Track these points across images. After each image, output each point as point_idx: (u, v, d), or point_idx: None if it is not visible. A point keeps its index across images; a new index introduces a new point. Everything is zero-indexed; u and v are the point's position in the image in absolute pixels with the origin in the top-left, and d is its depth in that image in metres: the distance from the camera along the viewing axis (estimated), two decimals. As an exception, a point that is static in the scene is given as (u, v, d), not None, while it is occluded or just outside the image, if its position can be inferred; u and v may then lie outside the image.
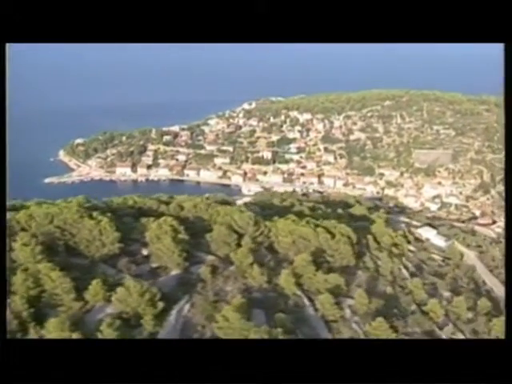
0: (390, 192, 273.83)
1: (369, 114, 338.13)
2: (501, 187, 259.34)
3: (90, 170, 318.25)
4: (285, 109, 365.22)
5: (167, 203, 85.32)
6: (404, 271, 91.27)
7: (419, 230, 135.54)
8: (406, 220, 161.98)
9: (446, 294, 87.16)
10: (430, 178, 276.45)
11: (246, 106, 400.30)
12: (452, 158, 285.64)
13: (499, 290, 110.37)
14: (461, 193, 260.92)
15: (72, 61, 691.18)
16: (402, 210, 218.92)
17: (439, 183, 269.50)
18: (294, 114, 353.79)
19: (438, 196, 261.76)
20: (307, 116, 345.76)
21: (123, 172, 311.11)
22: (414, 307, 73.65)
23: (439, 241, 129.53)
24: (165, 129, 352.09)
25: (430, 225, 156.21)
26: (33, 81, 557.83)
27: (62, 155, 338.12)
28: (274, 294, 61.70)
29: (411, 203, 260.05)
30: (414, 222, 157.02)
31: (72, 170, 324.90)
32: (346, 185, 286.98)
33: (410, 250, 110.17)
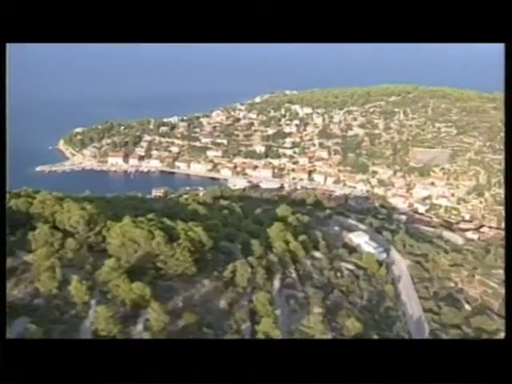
0: (379, 191, 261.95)
1: (371, 110, 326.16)
2: (496, 190, 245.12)
3: (84, 159, 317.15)
4: (288, 102, 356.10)
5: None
6: (276, 282, 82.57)
7: (351, 235, 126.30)
8: (353, 222, 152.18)
9: (317, 309, 77.57)
10: (423, 177, 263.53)
11: (257, 99, 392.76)
12: (450, 157, 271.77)
13: (410, 308, 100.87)
14: (453, 194, 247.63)
15: (74, 52, 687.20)
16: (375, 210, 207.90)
17: (432, 184, 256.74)
18: (295, 107, 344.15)
19: (428, 197, 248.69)
20: (308, 110, 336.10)
21: (114, 162, 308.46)
22: (242, 325, 64.67)
23: (368, 247, 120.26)
24: (165, 120, 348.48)
25: (378, 230, 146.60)
26: (35, 71, 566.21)
27: (61, 144, 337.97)
28: (59, 302, 55.30)
29: (399, 203, 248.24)
30: (359, 226, 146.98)
31: (67, 158, 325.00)
32: (336, 182, 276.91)
33: (313, 257, 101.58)
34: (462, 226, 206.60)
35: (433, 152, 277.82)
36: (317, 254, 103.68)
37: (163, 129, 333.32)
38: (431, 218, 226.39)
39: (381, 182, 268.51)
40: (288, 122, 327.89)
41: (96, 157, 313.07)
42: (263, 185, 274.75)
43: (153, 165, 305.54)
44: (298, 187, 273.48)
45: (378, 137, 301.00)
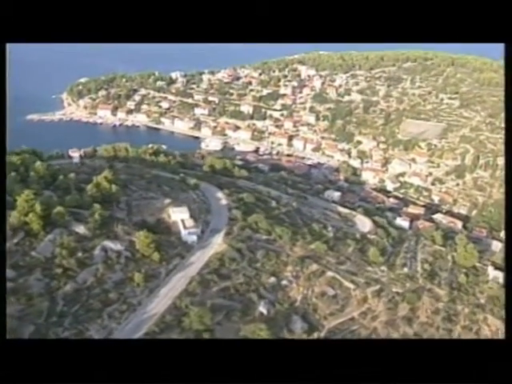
0: (355, 163, 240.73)
1: (377, 75, 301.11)
2: (480, 173, 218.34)
3: (77, 109, 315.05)
4: (298, 63, 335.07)
5: None
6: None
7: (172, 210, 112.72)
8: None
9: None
10: (406, 152, 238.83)
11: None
12: (442, 132, 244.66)
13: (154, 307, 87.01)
14: (430, 174, 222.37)
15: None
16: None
17: (412, 159, 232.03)
18: (301, 68, 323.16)
19: (402, 174, 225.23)
20: (311, 72, 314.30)
21: (103, 115, 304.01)
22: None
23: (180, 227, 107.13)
24: (166, 74, 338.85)
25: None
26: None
27: (65, 94, 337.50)
28: None
29: (370, 178, 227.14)
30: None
31: (64, 108, 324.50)
32: (315, 150, 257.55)
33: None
34: (411, 210, 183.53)
35: (426, 125, 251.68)
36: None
37: (160, 83, 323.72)
38: (387, 196, 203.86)
39: (361, 154, 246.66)
40: (287, 84, 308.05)
41: (87, 108, 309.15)
42: (238, 147, 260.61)
43: (139, 119, 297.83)
44: (274, 152, 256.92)
45: (374, 104, 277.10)
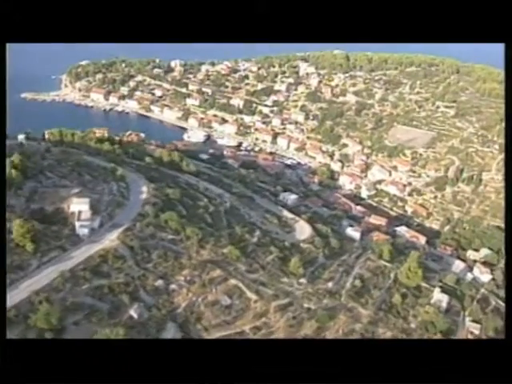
0: (336, 167, 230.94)
1: (377, 78, 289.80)
2: (462, 187, 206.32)
3: (72, 91, 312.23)
4: (301, 60, 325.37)
5: None
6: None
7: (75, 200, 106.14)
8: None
9: None
10: (389, 159, 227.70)
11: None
12: (430, 141, 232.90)
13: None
14: (410, 183, 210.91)
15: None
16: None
17: (394, 167, 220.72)
18: (302, 66, 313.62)
19: (380, 182, 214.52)
20: (310, 69, 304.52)
21: (96, 98, 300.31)
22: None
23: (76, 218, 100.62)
24: (165, 62, 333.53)
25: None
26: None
27: (65, 75, 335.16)
28: None
29: (346, 183, 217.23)
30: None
31: (60, 89, 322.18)
32: (299, 149, 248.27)
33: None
34: (373, 220, 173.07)
35: (415, 132, 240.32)
36: None
37: (157, 71, 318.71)
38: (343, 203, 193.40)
39: (343, 157, 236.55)
40: (284, 80, 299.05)
41: (81, 91, 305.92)
42: (221, 141, 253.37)
43: (130, 106, 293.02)
44: (256, 148, 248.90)
45: (368, 107, 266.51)
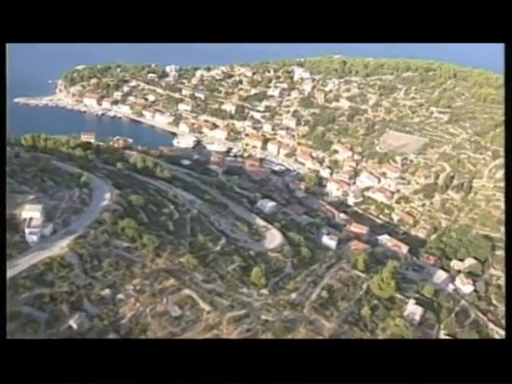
0: (324, 173, 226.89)
1: (371, 83, 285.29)
2: (452, 194, 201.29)
3: (66, 96, 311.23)
4: (298, 65, 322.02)
5: None
6: None
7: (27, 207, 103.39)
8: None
9: None
10: (379, 165, 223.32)
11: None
12: (422, 147, 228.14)
13: None
14: (398, 190, 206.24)
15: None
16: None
17: (383, 174, 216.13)
18: (298, 71, 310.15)
19: (368, 189, 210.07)
20: (305, 74, 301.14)
21: (89, 103, 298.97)
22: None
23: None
24: (159, 68, 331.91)
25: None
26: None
27: (61, 79, 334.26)
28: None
29: (333, 190, 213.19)
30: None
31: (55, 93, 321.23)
32: (289, 155, 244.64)
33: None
34: (353, 228, 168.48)
35: (406, 138, 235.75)
36: None
37: (151, 76, 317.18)
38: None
39: (333, 164, 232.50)
40: (278, 85, 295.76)
41: (75, 95, 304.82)
42: (210, 146, 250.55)
43: (122, 111, 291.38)
44: (245, 154, 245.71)
45: (361, 113, 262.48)
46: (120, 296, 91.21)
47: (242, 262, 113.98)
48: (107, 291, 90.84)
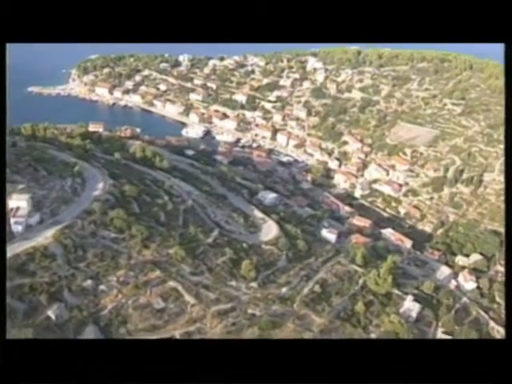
0: (333, 165, 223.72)
1: (385, 73, 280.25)
2: (461, 188, 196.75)
3: (79, 85, 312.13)
4: (312, 55, 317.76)
5: None
6: None
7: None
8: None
9: None
10: (388, 157, 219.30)
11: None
12: (433, 139, 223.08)
13: None
14: (407, 183, 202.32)
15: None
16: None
17: (392, 166, 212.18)
18: (311, 61, 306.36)
19: (376, 181, 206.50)
20: (318, 64, 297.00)
21: (100, 93, 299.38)
22: None
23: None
24: (173, 57, 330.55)
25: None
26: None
27: (75, 69, 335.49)
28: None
29: (341, 182, 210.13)
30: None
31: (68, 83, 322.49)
32: (298, 146, 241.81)
33: None
34: (356, 221, 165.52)
35: (418, 130, 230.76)
36: None
37: (164, 65, 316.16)
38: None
39: (342, 155, 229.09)
40: (290, 75, 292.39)
41: (87, 85, 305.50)
42: (219, 137, 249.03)
43: (133, 100, 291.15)
44: (254, 145, 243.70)
45: (372, 104, 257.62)
46: (102, 287, 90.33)
47: (233, 254, 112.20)
48: (89, 282, 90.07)
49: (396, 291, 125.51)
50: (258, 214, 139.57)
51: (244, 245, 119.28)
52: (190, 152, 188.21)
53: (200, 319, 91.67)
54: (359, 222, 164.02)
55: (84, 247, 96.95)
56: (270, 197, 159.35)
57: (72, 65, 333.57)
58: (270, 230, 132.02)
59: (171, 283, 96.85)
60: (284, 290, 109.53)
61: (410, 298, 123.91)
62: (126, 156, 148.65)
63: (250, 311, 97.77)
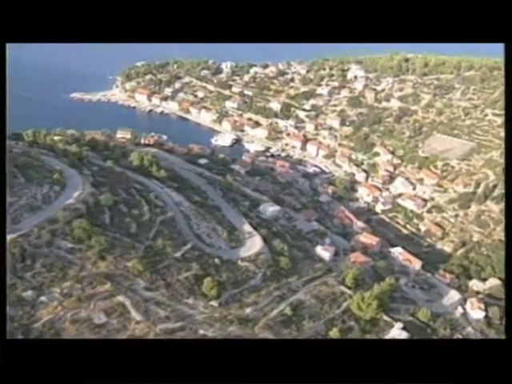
0: (359, 177, 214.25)
1: (428, 82, 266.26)
2: (491, 205, 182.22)
3: (120, 92, 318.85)
4: (356, 63, 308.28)
5: None
6: None
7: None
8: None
9: None
10: (418, 170, 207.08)
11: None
12: (468, 152, 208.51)
13: None
14: (432, 199, 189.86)
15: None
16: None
17: (420, 180, 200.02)
18: (353, 69, 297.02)
19: (400, 195, 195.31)
20: (359, 73, 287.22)
21: (140, 99, 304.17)
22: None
23: None
24: (214, 64, 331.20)
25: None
26: None
27: (120, 75, 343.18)
28: None
29: (364, 195, 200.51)
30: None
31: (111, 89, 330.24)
32: (327, 157, 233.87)
33: None
34: (363, 238, 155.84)
35: (453, 142, 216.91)
36: None
37: (205, 72, 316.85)
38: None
39: (370, 167, 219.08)
40: (329, 83, 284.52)
41: (127, 91, 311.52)
42: (248, 145, 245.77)
43: (170, 107, 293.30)
44: (283, 154, 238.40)
45: (410, 114, 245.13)
46: (42, 298, 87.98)
47: (199, 270, 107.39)
48: (29, 293, 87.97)
49: (385, 317, 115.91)
50: (247, 227, 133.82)
51: (216, 260, 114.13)
52: (203, 161, 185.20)
53: (142, 337, 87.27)
54: (366, 239, 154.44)
55: (34, 257, 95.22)
56: (271, 209, 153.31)
57: (120, 71, 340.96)
58: (253, 245, 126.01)
59: (119, 298, 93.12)
60: (248, 310, 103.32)
61: (398, 325, 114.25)
62: (124, 164, 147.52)
63: (201, 332, 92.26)
